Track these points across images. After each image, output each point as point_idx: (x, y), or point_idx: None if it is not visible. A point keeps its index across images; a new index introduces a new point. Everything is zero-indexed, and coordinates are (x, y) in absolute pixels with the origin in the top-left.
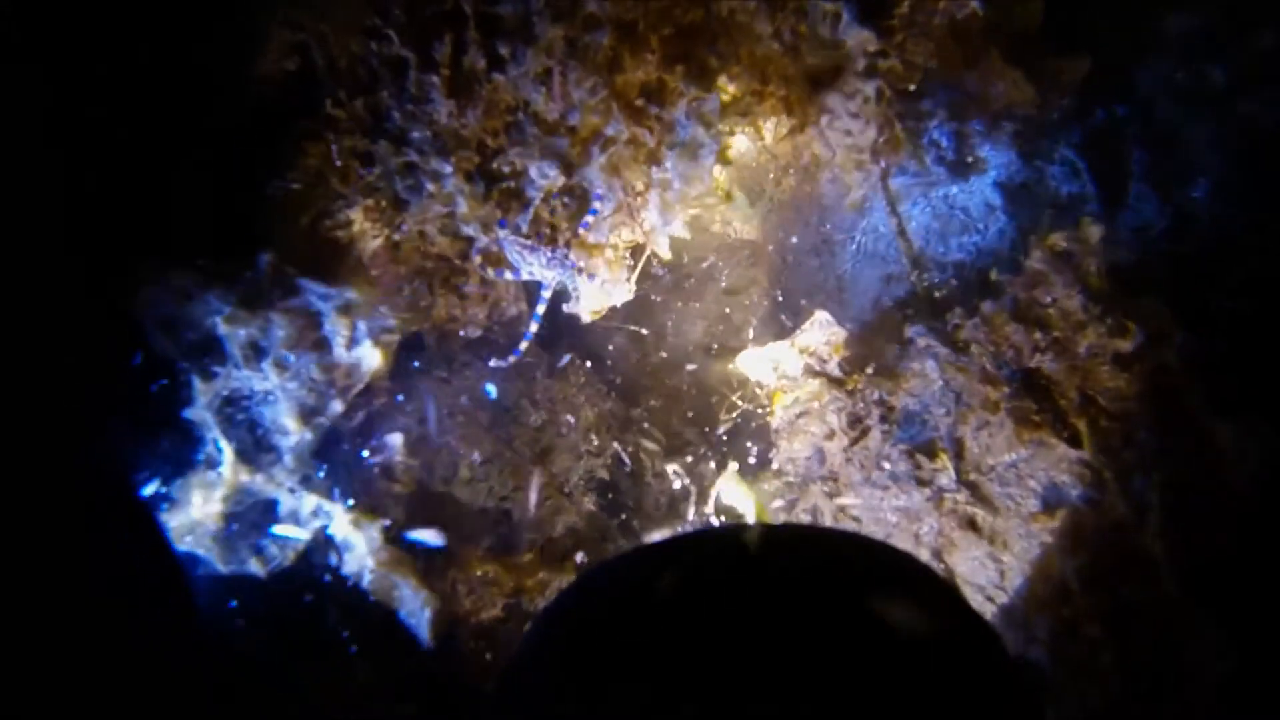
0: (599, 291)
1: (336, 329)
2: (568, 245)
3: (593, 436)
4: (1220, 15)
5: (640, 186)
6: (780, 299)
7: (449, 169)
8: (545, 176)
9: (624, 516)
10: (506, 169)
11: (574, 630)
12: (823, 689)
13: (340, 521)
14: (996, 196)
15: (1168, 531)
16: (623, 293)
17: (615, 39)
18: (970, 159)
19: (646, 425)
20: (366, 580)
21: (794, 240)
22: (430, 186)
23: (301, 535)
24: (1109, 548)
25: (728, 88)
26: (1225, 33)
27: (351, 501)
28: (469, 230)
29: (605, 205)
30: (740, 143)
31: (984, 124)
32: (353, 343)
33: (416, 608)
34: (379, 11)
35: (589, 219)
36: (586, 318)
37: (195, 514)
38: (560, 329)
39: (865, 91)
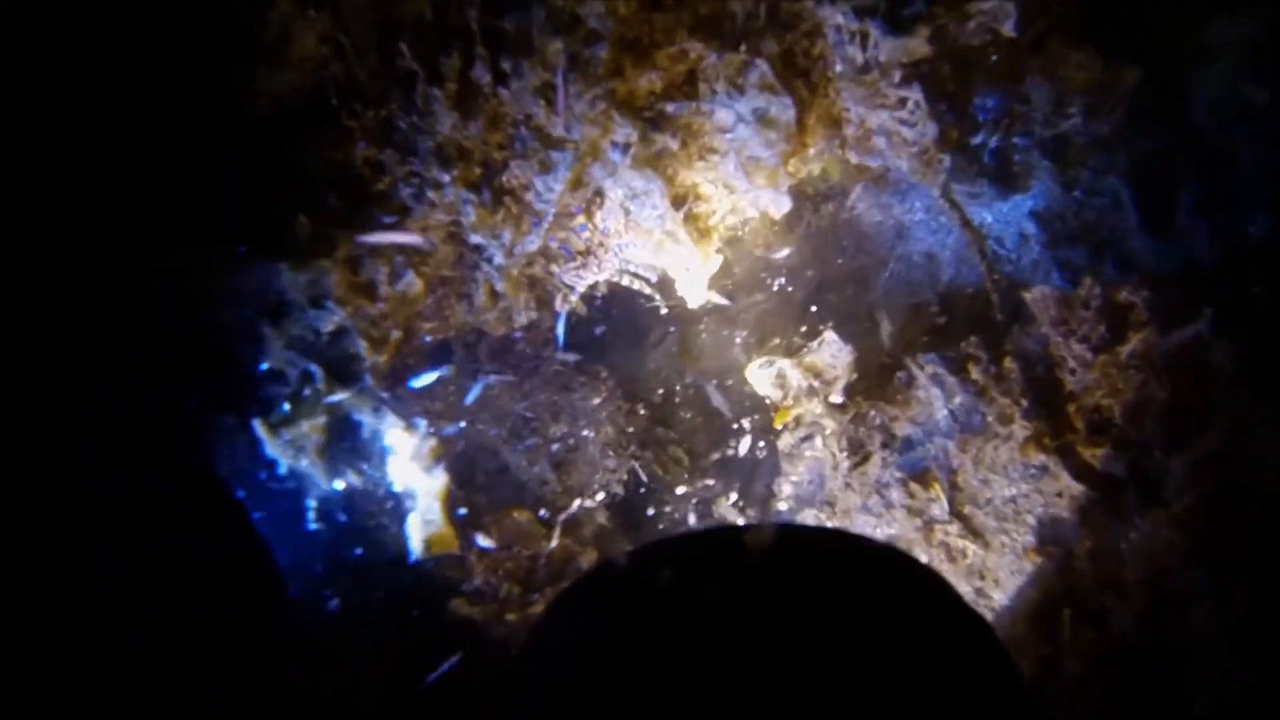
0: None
1: (377, 268)
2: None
3: (610, 452)
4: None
5: (688, 181)
6: (808, 326)
7: (447, 178)
8: (551, 189)
9: (636, 532)
10: (513, 182)
11: (575, 629)
12: (821, 686)
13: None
14: (1032, 226)
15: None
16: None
17: (617, 51)
18: (1015, 170)
19: (668, 445)
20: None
21: (830, 267)
22: (431, 195)
23: None
24: (1103, 584)
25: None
26: None
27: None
28: (477, 239)
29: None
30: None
31: (1030, 137)
32: (395, 277)
33: None
34: (394, 28)
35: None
36: (693, 303)
37: (305, 429)
38: (586, 343)
39: (914, 97)
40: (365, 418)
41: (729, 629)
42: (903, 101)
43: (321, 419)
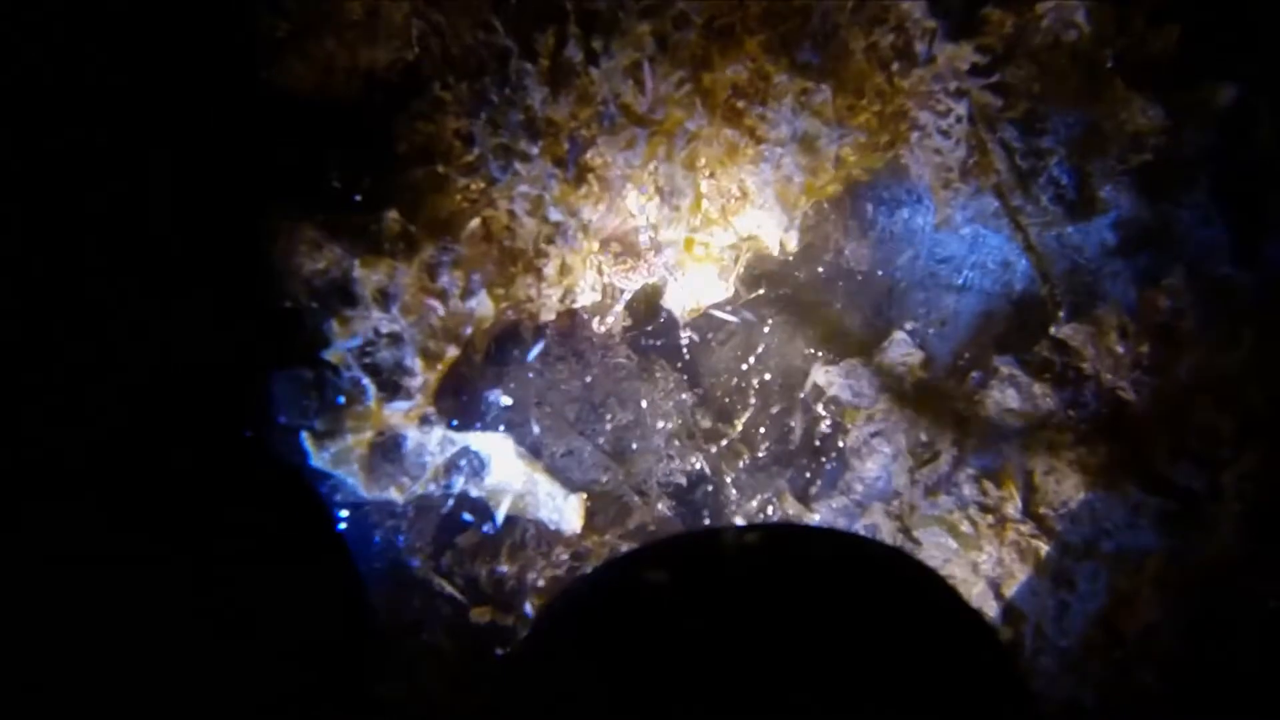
0: (692, 289)
1: (454, 280)
2: (657, 249)
3: (676, 442)
4: None
5: (736, 189)
6: (879, 327)
7: (536, 150)
8: (630, 165)
9: (695, 523)
10: (598, 159)
11: (574, 628)
12: (819, 687)
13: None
14: (1113, 238)
15: None
16: (718, 292)
17: (705, 37)
18: (1091, 199)
19: (732, 440)
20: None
21: (902, 272)
22: (519, 167)
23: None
24: (1178, 591)
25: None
26: None
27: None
28: (556, 215)
29: (682, 201)
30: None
31: (1107, 162)
32: (468, 293)
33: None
34: (493, 6)
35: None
36: (681, 316)
37: (350, 442)
38: (655, 333)
39: (958, 110)
40: (411, 433)
41: (728, 629)
42: (946, 111)
43: (367, 433)
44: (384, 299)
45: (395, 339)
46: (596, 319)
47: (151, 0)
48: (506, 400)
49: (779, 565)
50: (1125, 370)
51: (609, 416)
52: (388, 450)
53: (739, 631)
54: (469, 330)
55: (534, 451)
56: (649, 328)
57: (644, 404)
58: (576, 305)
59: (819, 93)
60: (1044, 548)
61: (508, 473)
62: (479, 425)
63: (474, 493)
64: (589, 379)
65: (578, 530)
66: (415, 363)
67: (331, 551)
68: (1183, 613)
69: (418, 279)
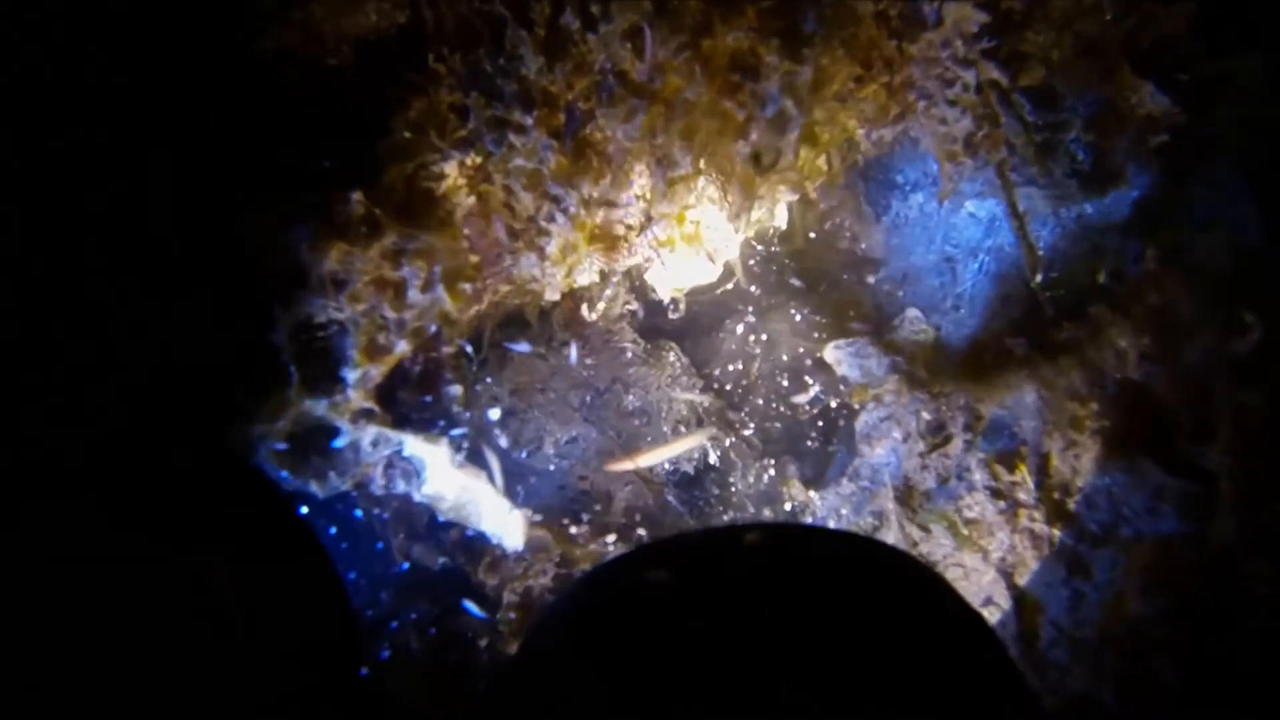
0: (678, 269)
1: (415, 270)
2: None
3: (682, 429)
4: None
5: (727, 166)
6: (890, 308)
7: (530, 121)
8: (630, 139)
9: (705, 510)
10: (596, 134)
11: (573, 628)
12: (819, 687)
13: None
14: (1129, 215)
15: None
16: (707, 271)
17: (706, 2)
18: (1108, 172)
19: (740, 424)
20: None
21: (917, 257)
22: (514, 138)
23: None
24: (1202, 585)
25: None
26: None
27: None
28: (556, 190)
29: (676, 174)
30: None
31: (1126, 138)
32: (428, 285)
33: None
34: None
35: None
36: (666, 296)
37: (263, 429)
38: (662, 316)
39: (965, 78)
40: (345, 427)
41: (727, 629)
42: (952, 81)
43: (282, 422)
44: (335, 285)
45: (337, 327)
46: (597, 301)
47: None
48: (494, 410)
49: (778, 565)
50: (1133, 363)
51: (615, 403)
52: (316, 442)
53: (738, 631)
54: (426, 325)
55: (530, 445)
56: (652, 310)
57: (650, 390)
58: (577, 285)
59: (800, 74)
60: (1058, 534)
61: (441, 482)
62: (420, 427)
63: (416, 497)
64: (593, 364)
65: (519, 548)
66: (356, 355)
67: (310, 551)
68: (1199, 600)
69: (376, 268)
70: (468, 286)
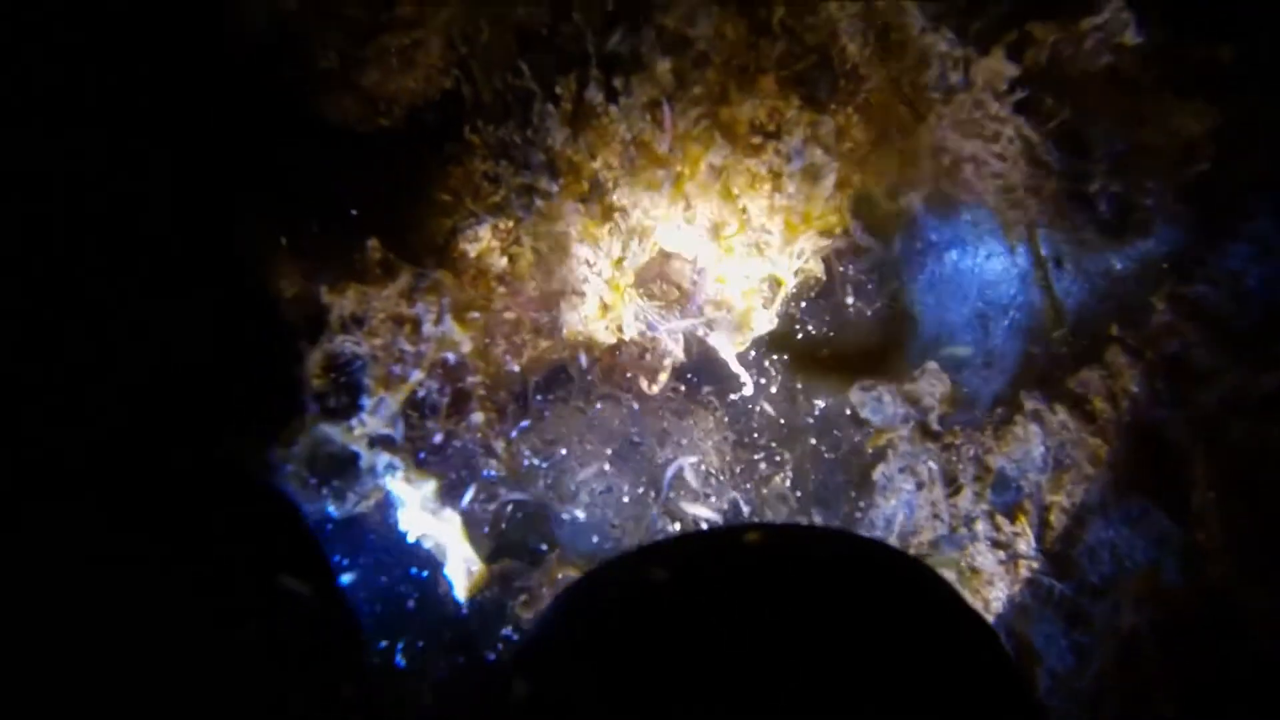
0: (737, 323)
1: (427, 306)
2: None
3: (712, 480)
4: None
5: (765, 220)
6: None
7: (556, 189)
8: (655, 206)
9: None
10: (623, 200)
11: (575, 628)
12: (819, 688)
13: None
14: (1154, 265)
15: None
16: (764, 322)
17: (723, 74)
18: (1131, 222)
19: (773, 477)
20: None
21: (952, 314)
22: (541, 204)
23: None
24: (1204, 637)
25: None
26: None
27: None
28: (585, 251)
29: (723, 230)
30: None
31: (1156, 182)
32: (439, 319)
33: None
34: (522, 52)
35: None
36: (731, 351)
37: (281, 454)
38: (699, 368)
39: (1009, 130)
40: (363, 452)
41: (728, 629)
42: (997, 135)
43: (297, 445)
44: (354, 323)
45: (361, 361)
46: (640, 356)
47: (143, 2)
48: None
49: (778, 565)
50: (1147, 408)
51: (648, 455)
52: (339, 464)
53: (738, 632)
54: (440, 356)
55: (565, 496)
56: (692, 365)
57: (683, 441)
58: (620, 339)
59: (823, 124)
60: (1058, 585)
61: (412, 520)
62: (437, 465)
63: (400, 525)
64: (629, 416)
65: (461, 600)
66: (373, 384)
67: (310, 555)
68: (1201, 644)
69: (393, 306)
70: (476, 315)
